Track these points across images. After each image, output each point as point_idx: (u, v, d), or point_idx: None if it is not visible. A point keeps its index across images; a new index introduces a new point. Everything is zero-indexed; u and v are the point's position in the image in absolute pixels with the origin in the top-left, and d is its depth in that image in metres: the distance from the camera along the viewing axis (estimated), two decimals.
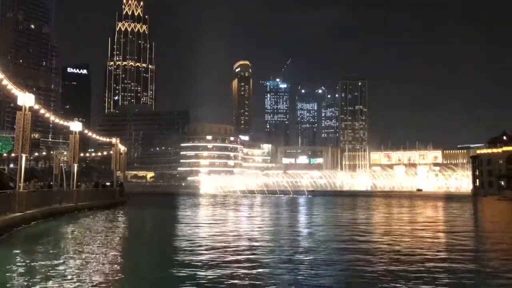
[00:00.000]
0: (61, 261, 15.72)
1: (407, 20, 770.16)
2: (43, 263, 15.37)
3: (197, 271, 14.11)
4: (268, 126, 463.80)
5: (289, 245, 20.27)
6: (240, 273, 13.83)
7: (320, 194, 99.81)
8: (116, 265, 15.37)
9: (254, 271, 14.17)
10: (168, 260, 16.12)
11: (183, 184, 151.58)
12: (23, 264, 15.45)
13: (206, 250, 18.40)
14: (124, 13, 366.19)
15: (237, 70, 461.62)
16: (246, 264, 15.28)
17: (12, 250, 18.44)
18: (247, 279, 13.20)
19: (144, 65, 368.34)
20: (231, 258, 16.38)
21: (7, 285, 12.24)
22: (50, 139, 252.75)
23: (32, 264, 15.31)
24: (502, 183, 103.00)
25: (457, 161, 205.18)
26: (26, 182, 32.20)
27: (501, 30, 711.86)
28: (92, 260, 15.86)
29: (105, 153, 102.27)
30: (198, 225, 30.11)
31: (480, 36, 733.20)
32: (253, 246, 19.70)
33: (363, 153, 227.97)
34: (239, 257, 16.64)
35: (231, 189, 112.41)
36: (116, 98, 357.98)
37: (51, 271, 13.81)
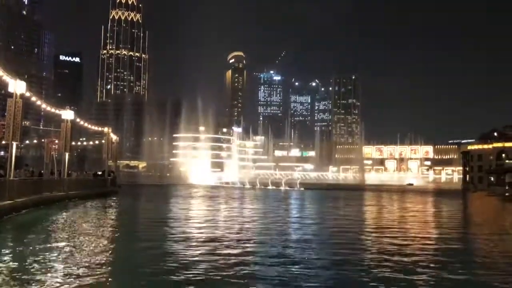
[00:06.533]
0: (51, 249, 15.68)
1: (401, 14, 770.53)
2: (32, 250, 15.32)
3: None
4: (261, 118, 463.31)
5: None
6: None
7: (313, 187, 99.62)
8: (106, 254, 15.35)
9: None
10: (159, 253, 16.13)
11: (175, 174, 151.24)
12: (13, 251, 15.39)
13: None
14: (118, 1, 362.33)
15: (231, 61, 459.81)
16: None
17: (2, 237, 18.35)
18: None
19: (137, 54, 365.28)
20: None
21: None
22: (42, 127, 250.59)
23: (22, 251, 15.25)
24: (492, 178, 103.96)
25: (448, 157, 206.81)
26: (16, 170, 31.92)
27: (494, 27, 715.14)
28: (82, 249, 15.83)
29: (97, 142, 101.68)
30: (188, 223, 30.09)
31: (472, 32, 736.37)
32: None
33: (355, 147, 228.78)
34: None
35: (223, 181, 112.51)
36: (109, 87, 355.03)
37: (40, 259, 13.77)
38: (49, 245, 16.63)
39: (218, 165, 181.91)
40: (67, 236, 18.93)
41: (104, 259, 14.45)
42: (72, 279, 11.64)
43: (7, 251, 15.40)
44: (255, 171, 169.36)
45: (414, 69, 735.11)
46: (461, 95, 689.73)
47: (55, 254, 14.74)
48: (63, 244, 16.94)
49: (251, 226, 24.72)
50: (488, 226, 28.57)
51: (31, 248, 15.91)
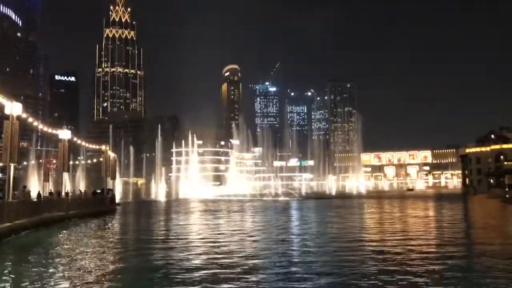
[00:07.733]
0: (52, 271, 15.45)
1: (394, 21, 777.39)
2: (33, 273, 15.10)
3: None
4: (258, 130, 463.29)
5: None
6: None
7: (314, 197, 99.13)
8: (109, 276, 15.11)
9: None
10: (161, 272, 15.93)
11: (174, 189, 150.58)
12: (13, 274, 15.17)
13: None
14: (111, 19, 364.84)
15: (226, 74, 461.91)
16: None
17: (1, 260, 18.10)
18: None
19: (132, 71, 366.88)
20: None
21: None
22: (39, 148, 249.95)
23: (22, 274, 15.04)
24: (492, 181, 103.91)
25: (447, 161, 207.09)
26: (15, 191, 31.74)
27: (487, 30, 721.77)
28: (83, 270, 15.59)
29: (95, 160, 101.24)
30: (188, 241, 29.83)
31: (465, 36, 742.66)
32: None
33: (353, 154, 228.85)
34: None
35: (223, 193, 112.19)
36: (105, 104, 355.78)
37: (41, 282, 13.56)
38: (49, 266, 16.40)
39: (217, 178, 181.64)
40: (66, 261, 18.47)
41: (106, 279, 14.23)
42: None
43: (6, 274, 15.17)
44: (255, 182, 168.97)
45: (409, 74, 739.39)
46: (460, 96, 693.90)
47: (52, 281, 14.35)
48: (61, 269, 16.52)
49: (258, 247, 24.47)
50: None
51: (30, 269, 15.67)
